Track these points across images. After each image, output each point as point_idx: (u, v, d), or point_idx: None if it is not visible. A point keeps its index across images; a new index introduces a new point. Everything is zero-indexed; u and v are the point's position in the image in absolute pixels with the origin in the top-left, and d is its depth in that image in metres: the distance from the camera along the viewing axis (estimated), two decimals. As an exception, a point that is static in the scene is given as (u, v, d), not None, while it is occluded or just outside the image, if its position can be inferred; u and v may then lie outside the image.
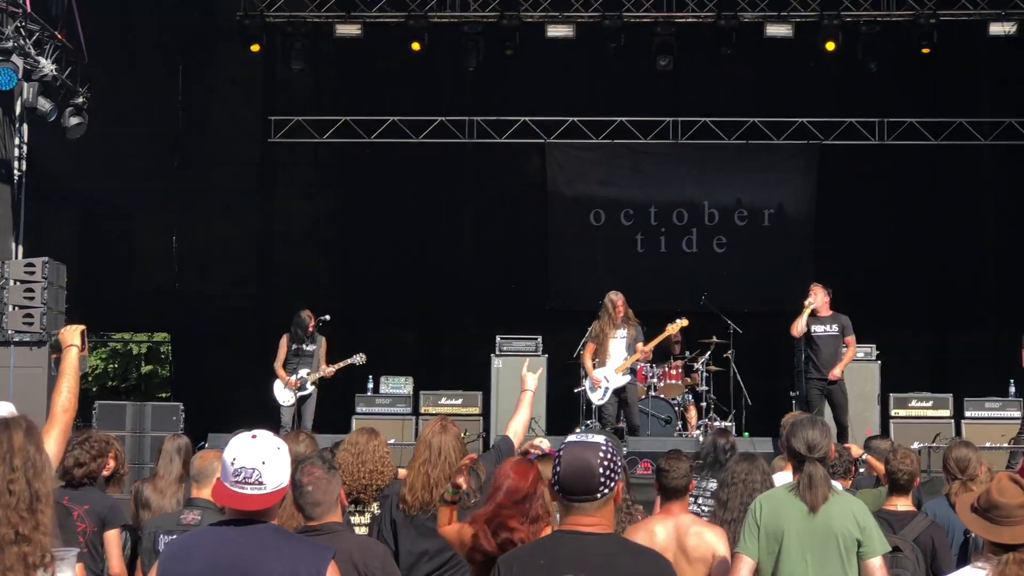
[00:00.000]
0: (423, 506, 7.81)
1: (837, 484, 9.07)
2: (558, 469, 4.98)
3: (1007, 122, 23.62)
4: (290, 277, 25.16)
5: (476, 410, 19.91)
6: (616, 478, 4.98)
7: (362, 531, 8.56)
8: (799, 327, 17.37)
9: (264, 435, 5.36)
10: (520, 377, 9.25)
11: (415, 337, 25.47)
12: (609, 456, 4.97)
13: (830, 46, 22.21)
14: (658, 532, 7.66)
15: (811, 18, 22.21)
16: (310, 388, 18.45)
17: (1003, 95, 24.59)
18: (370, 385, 20.43)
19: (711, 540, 7.62)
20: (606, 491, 4.94)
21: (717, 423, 19.70)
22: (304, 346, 18.49)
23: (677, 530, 7.69)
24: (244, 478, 5.23)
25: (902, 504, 8.79)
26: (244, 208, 25.18)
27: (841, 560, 6.90)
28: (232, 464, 5.24)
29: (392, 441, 17.37)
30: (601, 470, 4.93)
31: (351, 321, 24.33)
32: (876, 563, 6.92)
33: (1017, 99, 24.30)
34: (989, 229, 25.18)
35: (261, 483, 5.24)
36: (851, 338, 17.58)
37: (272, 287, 24.27)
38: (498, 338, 20.52)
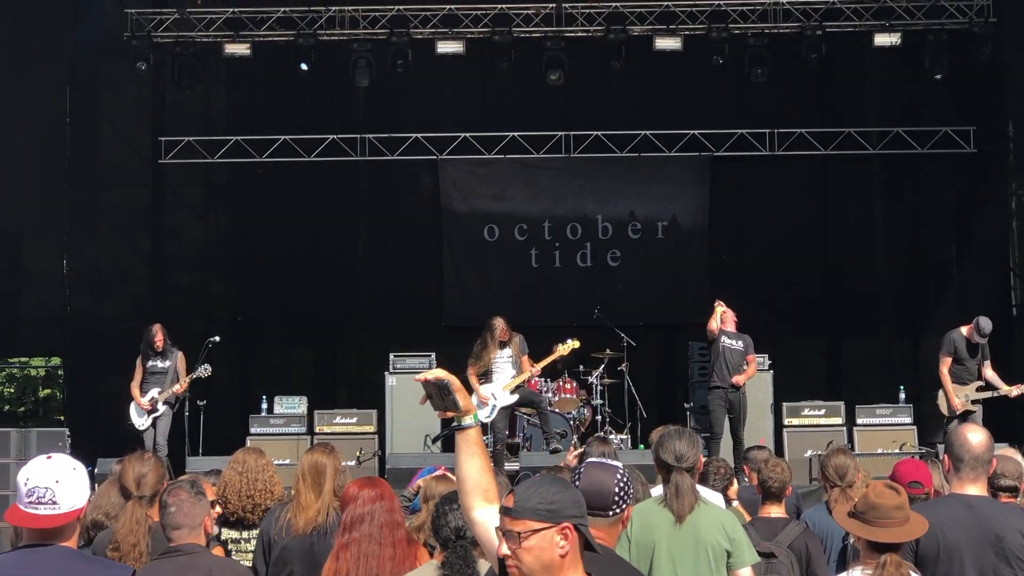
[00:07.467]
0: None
1: (718, 496, 9.15)
2: (577, 485, 5.20)
3: (894, 131, 23.90)
4: (184, 298, 24.91)
5: (371, 428, 19.89)
6: (628, 501, 5.35)
7: (247, 555, 8.48)
8: (714, 325, 17.56)
9: (60, 457, 5.34)
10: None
11: (311, 356, 25.31)
12: (625, 481, 5.33)
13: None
14: None
15: (699, 31, 22.39)
16: (161, 408, 17.81)
17: (890, 105, 24.85)
18: (264, 405, 20.30)
19: None
20: (618, 511, 5.30)
21: (613, 436, 19.77)
22: (158, 363, 17.92)
23: None
24: (38, 498, 5.20)
25: (775, 511, 8.90)
26: (136, 230, 24.87)
27: (711, 570, 6.96)
28: (25, 485, 5.22)
29: (287, 462, 17.29)
30: (617, 489, 5.29)
31: (247, 341, 24.23)
32: (745, 573, 6.99)
33: (903, 109, 24.61)
34: (880, 237, 25.39)
35: (55, 503, 5.21)
36: (753, 356, 17.86)
37: (166, 309, 23.93)
38: (391, 356, 20.51)
